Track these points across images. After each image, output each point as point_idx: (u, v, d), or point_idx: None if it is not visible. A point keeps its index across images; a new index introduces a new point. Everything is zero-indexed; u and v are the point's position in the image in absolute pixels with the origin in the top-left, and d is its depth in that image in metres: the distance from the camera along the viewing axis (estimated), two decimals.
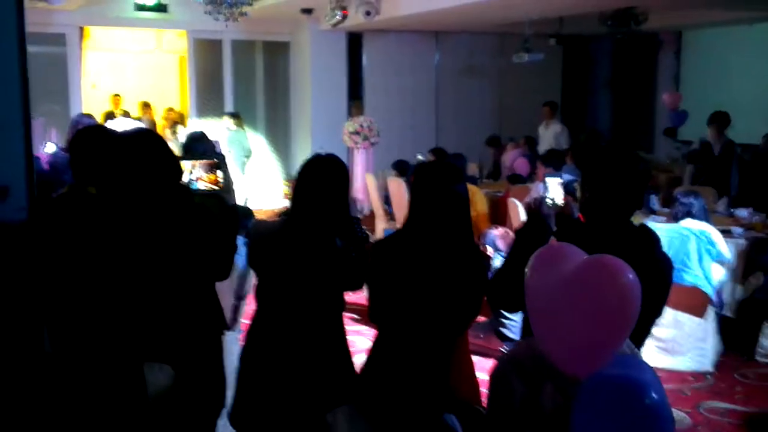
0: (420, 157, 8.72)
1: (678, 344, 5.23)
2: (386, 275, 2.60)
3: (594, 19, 9.68)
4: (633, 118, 13.11)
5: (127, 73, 13.46)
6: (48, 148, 6.31)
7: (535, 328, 1.83)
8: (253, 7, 9.28)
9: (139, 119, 11.17)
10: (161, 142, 2.78)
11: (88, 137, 3.00)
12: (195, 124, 11.06)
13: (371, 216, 9.26)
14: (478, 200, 7.20)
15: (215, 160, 4.58)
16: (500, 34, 11.99)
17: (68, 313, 2.79)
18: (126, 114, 11.28)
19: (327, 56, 11.72)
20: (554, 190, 2.47)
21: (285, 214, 2.88)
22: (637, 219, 5.53)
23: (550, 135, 10.25)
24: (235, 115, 10.83)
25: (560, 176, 2.61)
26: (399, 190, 8.02)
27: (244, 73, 12.14)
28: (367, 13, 9.26)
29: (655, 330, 4.94)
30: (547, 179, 2.51)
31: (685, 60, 12.47)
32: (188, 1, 9.83)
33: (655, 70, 12.85)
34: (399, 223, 7.94)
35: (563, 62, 13.39)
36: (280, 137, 12.51)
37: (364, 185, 9.77)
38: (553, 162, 7.13)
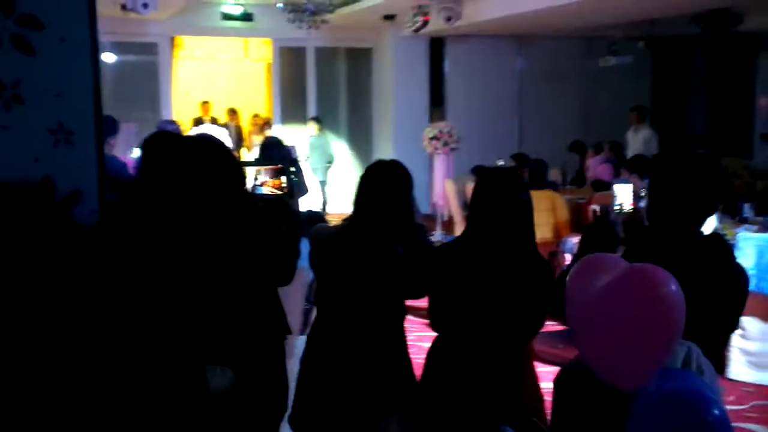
0: (499, 163, 8.60)
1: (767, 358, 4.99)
2: (445, 282, 2.55)
3: (685, 21, 9.32)
4: (730, 123, 12.52)
5: (216, 81, 13.85)
6: (135, 153, 6.56)
7: (578, 339, 1.76)
8: (335, 14, 9.39)
9: (225, 125, 11.48)
10: (222, 149, 2.82)
11: (155, 143, 3.06)
12: (279, 129, 11.27)
13: (450, 221, 9.20)
14: (559, 207, 7.03)
15: (280, 165, 4.63)
16: (586, 37, 11.72)
17: (133, 316, 2.85)
18: (213, 120, 11.59)
19: (409, 62, 11.73)
20: (623, 197, 2.39)
21: (348, 220, 2.88)
22: (728, 227, 5.29)
23: (638, 140, 9.92)
24: (317, 120, 10.97)
25: (627, 182, 2.51)
26: None
27: (327, 80, 12.30)
28: (448, 19, 9.21)
29: (743, 343, 4.77)
30: (616, 185, 2.44)
31: None
32: (273, 10, 10.03)
33: (754, 72, 12.26)
34: None
35: (653, 65, 12.96)
36: (362, 143, 12.59)
37: (443, 191, 9.70)
38: (638, 168, 6.90)
